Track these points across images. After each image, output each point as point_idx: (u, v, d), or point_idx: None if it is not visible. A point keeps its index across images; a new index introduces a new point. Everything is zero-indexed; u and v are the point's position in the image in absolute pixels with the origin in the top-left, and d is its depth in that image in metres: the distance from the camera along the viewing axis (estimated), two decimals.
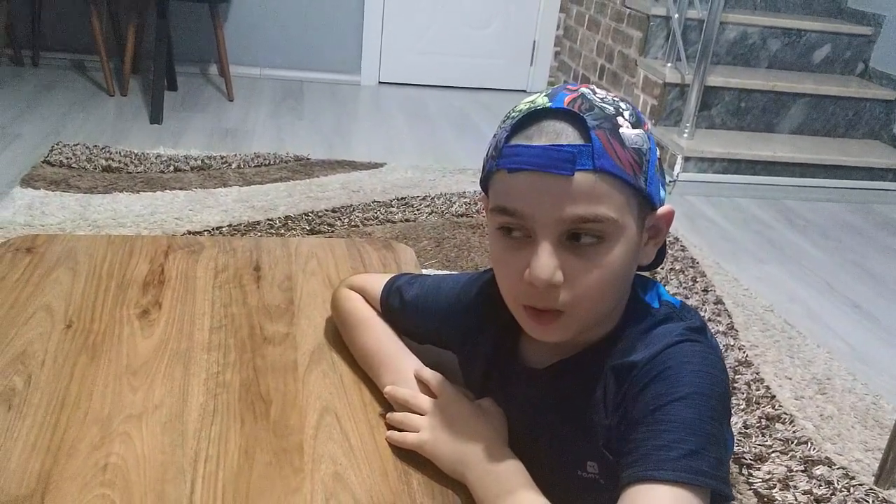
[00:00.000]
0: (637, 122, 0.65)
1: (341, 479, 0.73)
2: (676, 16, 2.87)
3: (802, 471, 1.31)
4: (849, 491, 1.27)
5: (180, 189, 2.19)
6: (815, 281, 2.13)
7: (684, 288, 1.95)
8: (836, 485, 1.28)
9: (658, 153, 0.68)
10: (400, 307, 0.88)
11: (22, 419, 0.76)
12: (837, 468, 1.33)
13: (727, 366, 1.50)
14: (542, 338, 0.68)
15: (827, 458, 1.35)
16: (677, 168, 2.72)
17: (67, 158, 2.29)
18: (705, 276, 2.03)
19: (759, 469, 1.30)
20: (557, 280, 0.63)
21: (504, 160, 0.64)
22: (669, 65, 2.91)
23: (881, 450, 1.35)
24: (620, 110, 0.65)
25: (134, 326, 0.94)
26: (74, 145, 2.40)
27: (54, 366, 0.85)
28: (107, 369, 0.85)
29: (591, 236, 0.63)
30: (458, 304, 0.83)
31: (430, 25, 3.71)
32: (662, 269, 2.03)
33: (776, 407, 1.48)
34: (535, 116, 0.64)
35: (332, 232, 2.03)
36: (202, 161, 2.41)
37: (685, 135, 2.75)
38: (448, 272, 1.72)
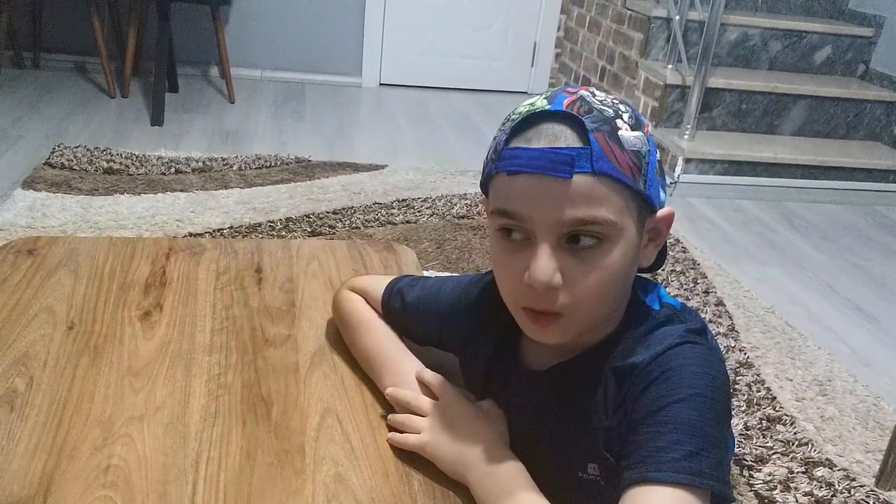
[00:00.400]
0: (636, 125, 0.66)
1: (343, 480, 0.73)
2: (677, 17, 2.88)
3: (803, 472, 1.31)
4: (850, 492, 1.27)
5: (181, 191, 2.19)
6: (816, 282, 2.13)
7: (685, 289, 1.95)
8: (836, 486, 1.28)
9: (658, 155, 0.68)
10: (401, 309, 0.88)
11: (24, 421, 0.76)
12: (838, 470, 1.33)
13: (728, 367, 1.50)
14: (542, 340, 0.68)
15: (828, 459, 1.35)
16: (678, 170, 2.72)
17: (69, 160, 2.30)
18: (706, 277, 2.03)
19: (759, 470, 1.30)
20: (556, 282, 0.63)
21: (503, 163, 0.64)
22: (670, 66, 2.92)
23: (882, 451, 1.35)
24: (619, 113, 0.65)
25: (135, 328, 0.94)
26: (75, 147, 2.41)
27: (56, 367, 0.85)
28: (108, 371, 0.85)
29: (591, 238, 0.63)
30: (459, 306, 0.84)
31: (431, 27, 3.72)
32: (663, 270, 2.04)
33: (777, 408, 1.49)
34: (534, 119, 0.64)
35: (334, 234, 2.03)
36: (203, 163, 2.42)
37: (686, 136, 2.75)
38: (449, 274, 1.72)
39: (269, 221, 2.05)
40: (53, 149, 2.38)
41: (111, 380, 0.84)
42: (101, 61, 3.03)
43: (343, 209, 2.19)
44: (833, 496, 1.26)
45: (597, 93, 0.67)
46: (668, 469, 0.59)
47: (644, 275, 0.74)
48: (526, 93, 3.91)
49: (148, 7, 3.20)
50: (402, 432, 0.78)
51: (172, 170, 2.34)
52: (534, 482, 0.69)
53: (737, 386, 1.55)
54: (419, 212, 2.22)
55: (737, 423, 1.42)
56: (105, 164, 2.30)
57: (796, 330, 1.82)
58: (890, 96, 2.99)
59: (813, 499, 1.25)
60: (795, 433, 1.42)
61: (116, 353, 0.89)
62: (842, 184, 2.84)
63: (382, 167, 2.58)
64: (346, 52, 3.69)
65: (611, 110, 0.65)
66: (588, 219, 0.62)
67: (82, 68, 3.38)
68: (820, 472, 1.32)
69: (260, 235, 1.97)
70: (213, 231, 1.96)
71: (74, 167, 2.27)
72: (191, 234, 1.92)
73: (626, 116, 0.65)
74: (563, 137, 0.62)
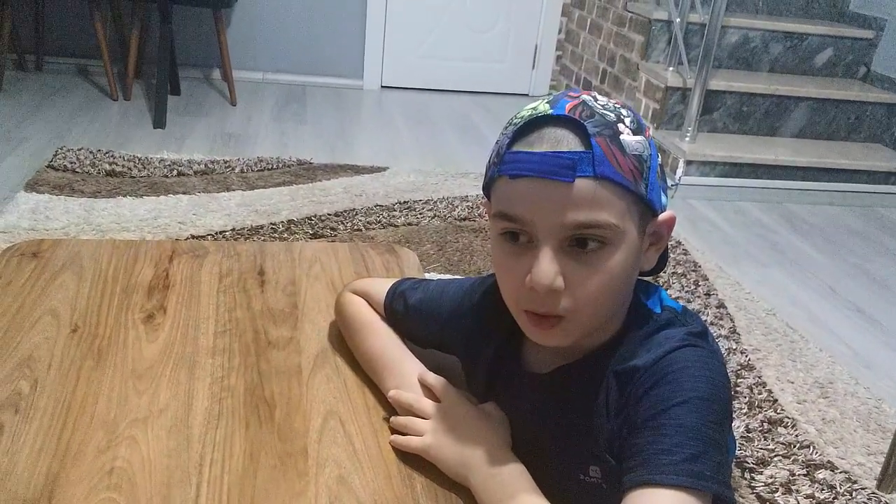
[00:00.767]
0: (638, 129, 0.66)
1: (345, 482, 0.73)
2: (678, 20, 2.88)
3: (805, 475, 1.31)
4: (851, 495, 1.28)
5: (184, 193, 2.20)
6: (818, 284, 2.14)
7: (686, 291, 1.96)
8: (838, 489, 1.29)
9: (659, 159, 0.68)
10: (403, 312, 0.89)
11: (28, 423, 0.77)
12: (840, 472, 1.33)
13: (729, 370, 1.51)
14: (544, 342, 0.68)
15: (829, 462, 1.35)
16: (679, 172, 2.73)
17: (71, 163, 2.30)
18: (707, 279, 2.04)
19: (761, 473, 1.30)
20: (558, 285, 0.63)
21: (506, 166, 0.65)
22: (671, 69, 2.92)
23: (883, 454, 1.35)
24: (621, 117, 0.65)
25: (139, 331, 0.95)
26: (78, 150, 2.41)
27: (60, 370, 0.86)
28: (112, 373, 0.86)
29: (593, 242, 0.63)
30: (462, 309, 0.84)
31: (433, 29, 3.72)
32: (665, 272, 2.04)
33: (778, 411, 1.49)
34: (536, 123, 0.65)
35: (335, 236, 2.03)
36: (205, 165, 2.42)
37: (687, 139, 2.75)
38: (451, 276, 1.73)
39: (271, 224, 2.05)
40: (56, 151, 2.39)
41: (115, 382, 0.84)
42: (104, 64, 3.04)
43: (345, 211, 2.19)
44: (834, 499, 1.26)
45: (599, 97, 0.67)
46: (669, 472, 0.59)
47: (645, 278, 0.75)
48: (527, 95, 3.92)
49: (150, 10, 3.20)
50: (404, 435, 0.78)
51: (175, 172, 2.35)
52: (536, 485, 0.69)
53: (738, 388, 1.55)
54: (421, 214, 2.23)
55: (738, 426, 1.42)
56: (107, 167, 2.31)
57: (797, 332, 1.82)
58: (891, 98, 2.99)
59: (814, 501, 1.25)
60: (797, 436, 1.42)
61: (120, 355, 0.89)
62: (843, 186, 2.85)
63: (384, 169, 2.59)
64: (348, 54, 3.69)
65: (612, 115, 0.65)
66: (590, 222, 0.62)
67: (85, 71, 3.39)
68: (821, 474, 1.32)
69: (262, 238, 1.97)
70: (216, 233, 1.97)
71: (77, 170, 2.27)
72: (193, 237, 1.93)
73: (627, 121, 0.66)
74: (565, 141, 0.63)
